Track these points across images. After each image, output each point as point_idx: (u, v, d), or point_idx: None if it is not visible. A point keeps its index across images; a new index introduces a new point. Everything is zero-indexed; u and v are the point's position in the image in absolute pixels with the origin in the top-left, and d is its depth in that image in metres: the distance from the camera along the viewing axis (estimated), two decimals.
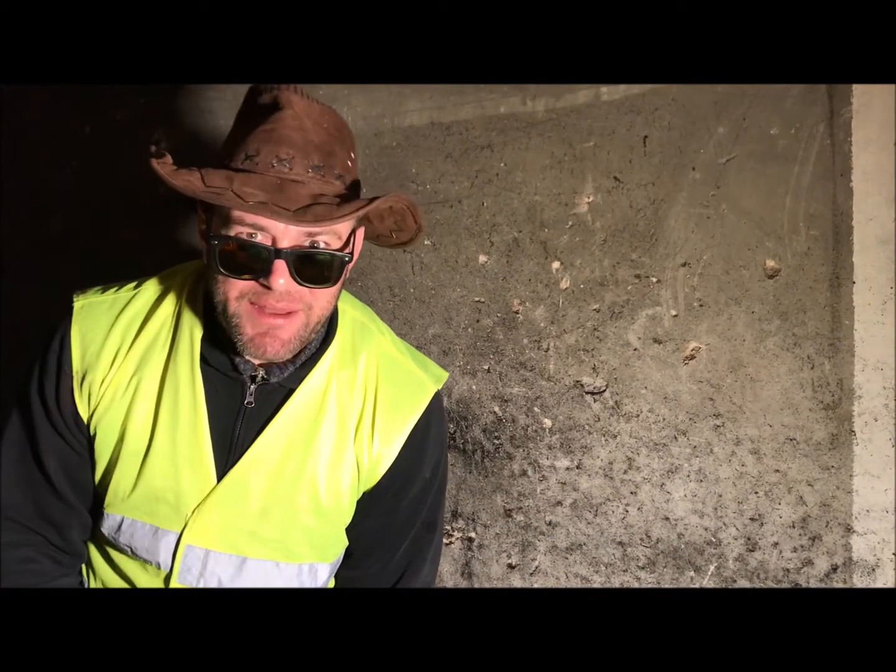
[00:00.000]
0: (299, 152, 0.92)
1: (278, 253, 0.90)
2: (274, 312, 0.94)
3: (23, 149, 1.72)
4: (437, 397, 1.12)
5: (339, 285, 0.99)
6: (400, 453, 1.08)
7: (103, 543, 1.11)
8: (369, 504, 1.11)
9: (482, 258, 1.49)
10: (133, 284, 1.10)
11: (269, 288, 0.91)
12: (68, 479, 1.07)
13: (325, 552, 1.11)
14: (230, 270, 0.92)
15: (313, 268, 0.93)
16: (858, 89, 1.31)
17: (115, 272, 1.60)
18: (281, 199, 0.88)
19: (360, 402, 1.07)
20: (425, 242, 1.51)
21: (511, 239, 1.48)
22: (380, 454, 1.07)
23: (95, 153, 1.69)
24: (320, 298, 0.97)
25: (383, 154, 1.52)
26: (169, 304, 1.06)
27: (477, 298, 1.50)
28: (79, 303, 1.07)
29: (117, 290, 1.09)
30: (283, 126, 0.92)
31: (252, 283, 0.92)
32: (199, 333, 1.03)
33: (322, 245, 0.94)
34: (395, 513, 1.12)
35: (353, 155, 1.01)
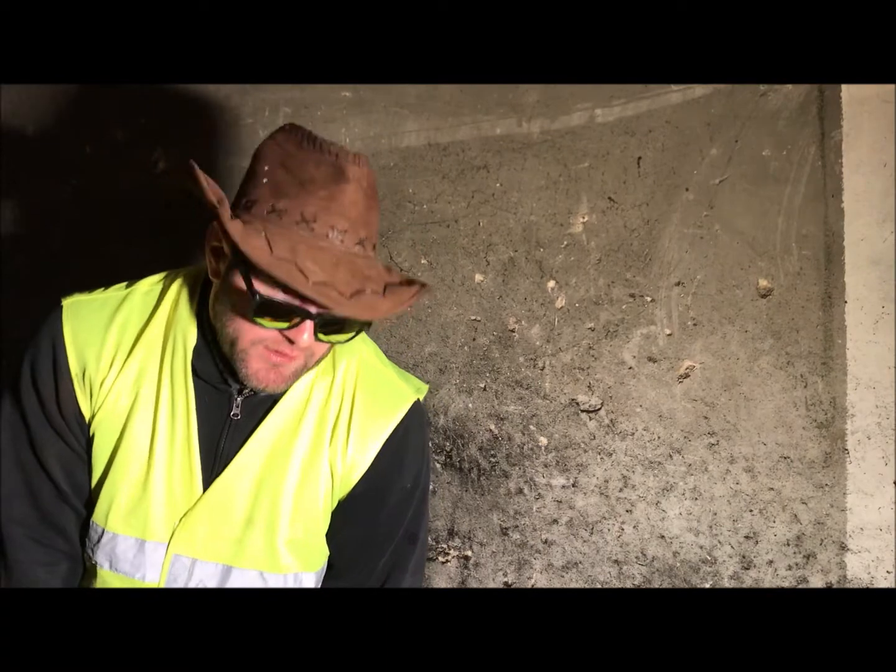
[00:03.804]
0: (352, 227, 0.94)
1: (311, 315, 0.92)
2: (282, 356, 0.96)
3: (24, 166, 1.74)
4: (416, 407, 1.13)
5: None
6: (376, 459, 1.09)
7: (91, 560, 1.11)
8: (348, 512, 1.12)
9: (478, 277, 1.51)
10: (122, 286, 1.11)
11: (291, 341, 0.94)
12: (71, 482, 1.08)
13: (309, 561, 1.11)
14: (262, 321, 0.93)
15: (336, 328, 0.96)
16: (848, 112, 1.34)
17: None
18: (338, 280, 0.90)
19: (337, 407, 1.09)
20: (422, 261, 1.53)
21: (507, 258, 1.49)
22: (354, 460, 1.08)
23: (95, 172, 1.70)
24: (323, 347, 0.99)
25: (381, 174, 1.53)
26: (164, 313, 1.07)
27: (473, 317, 1.52)
28: (67, 302, 1.07)
29: (105, 289, 1.10)
30: (344, 198, 0.93)
31: (272, 332, 0.94)
32: (191, 346, 1.05)
33: None
34: (375, 522, 1.13)
35: (378, 211, 1.03)
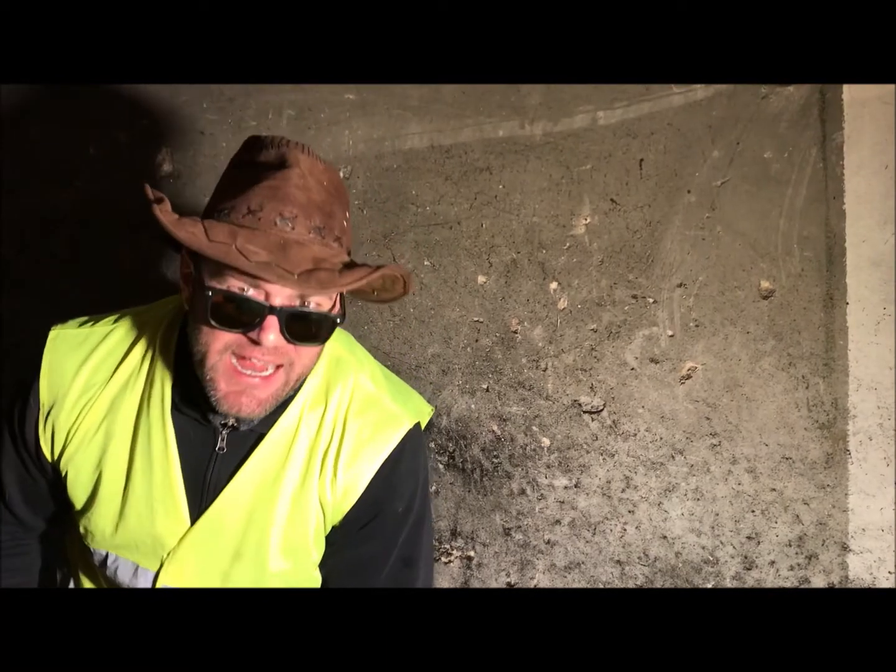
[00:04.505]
0: (302, 212, 0.91)
1: (272, 309, 0.90)
2: (253, 371, 0.93)
3: (27, 169, 1.74)
4: (412, 432, 1.10)
5: (324, 344, 0.99)
6: (368, 488, 1.07)
7: (98, 573, 1.13)
8: (340, 537, 1.10)
9: (481, 278, 1.51)
10: (111, 319, 1.10)
11: (256, 342, 0.91)
12: (24, 499, 1.11)
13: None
14: (221, 322, 0.90)
15: (304, 326, 0.93)
16: (850, 114, 1.34)
17: (116, 292, 1.61)
18: (284, 260, 0.87)
19: (328, 438, 1.06)
20: (425, 263, 1.53)
21: (509, 260, 1.50)
22: (345, 489, 1.06)
23: (99, 174, 1.71)
24: (303, 356, 0.96)
25: (384, 176, 1.54)
26: (141, 347, 1.06)
27: (476, 318, 1.52)
28: (54, 332, 1.07)
29: (93, 324, 1.09)
30: (288, 185, 0.91)
31: (238, 336, 0.91)
32: (169, 382, 1.03)
33: (312, 305, 0.94)
34: (367, 546, 1.11)
35: (347, 215, 1.01)
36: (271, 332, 0.90)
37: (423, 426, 1.15)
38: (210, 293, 0.90)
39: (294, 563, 1.07)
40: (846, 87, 1.33)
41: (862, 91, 1.32)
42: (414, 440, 1.11)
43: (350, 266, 0.94)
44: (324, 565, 1.12)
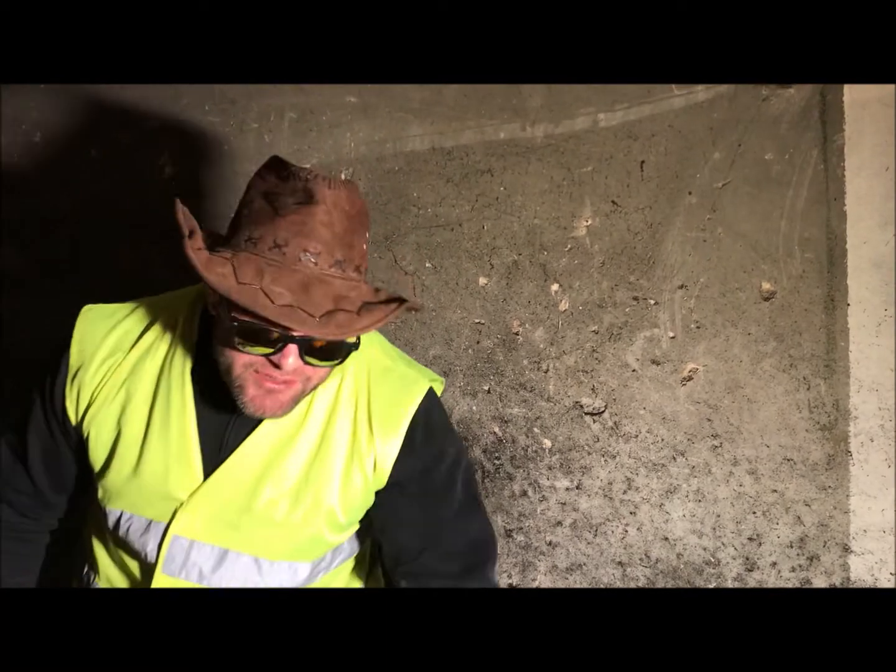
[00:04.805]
0: (325, 248, 0.96)
1: (293, 339, 0.96)
2: (274, 381, 1.00)
3: (28, 170, 1.74)
4: (430, 393, 1.16)
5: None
6: (405, 446, 1.11)
7: (109, 539, 1.17)
8: (400, 503, 1.14)
9: (482, 280, 1.51)
10: (139, 300, 1.18)
11: (277, 366, 0.97)
12: (45, 467, 1.16)
13: (305, 552, 1.14)
14: (245, 346, 0.97)
15: (322, 352, 0.99)
16: (850, 116, 1.35)
17: (119, 294, 1.61)
18: (306, 301, 0.93)
19: (352, 408, 1.12)
20: (426, 265, 1.54)
21: (511, 261, 1.50)
22: (383, 452, 1.11)
23: (99, 174, 1.71)
24: (320, 371, 1.03)
25: (385, 178, 1.54)
26: (167, 319, 1.13)
27: (477, 320, 1.52)
28: (85, 308, 1.15)
29: (123, 302, 1.18)
30: (314, 220, 0.96)
31: (260, 357, 0.98)
32: (192, 348, 1.10)
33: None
34: (441, 501, 1.15)
35: (368, 235, 1.05)
36: (291, 356, 0.96)
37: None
38: (236, 324, 0.96)
39: (306, 523, 1.11)
40: (847, 89, 1.34)
41: (862, 93, 1.33)
42: (433, 399, 1.17)
43: (369, 304, 0.99)
44: (395, 529, 1.16)
